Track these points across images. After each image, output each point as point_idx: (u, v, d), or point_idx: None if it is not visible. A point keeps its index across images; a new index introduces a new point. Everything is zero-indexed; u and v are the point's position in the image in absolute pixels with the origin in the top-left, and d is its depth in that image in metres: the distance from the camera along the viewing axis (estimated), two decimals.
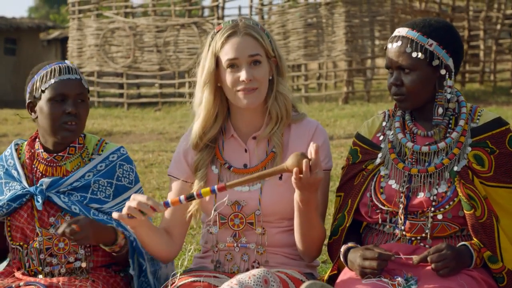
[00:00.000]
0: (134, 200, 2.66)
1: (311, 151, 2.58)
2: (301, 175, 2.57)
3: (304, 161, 2.56)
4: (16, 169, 3.05)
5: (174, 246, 2.94)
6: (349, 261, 2.72)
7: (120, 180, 3.07)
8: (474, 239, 2.68)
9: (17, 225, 3.00)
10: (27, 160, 3.06)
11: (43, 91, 2.98)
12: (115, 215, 2.67)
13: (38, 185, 2.98)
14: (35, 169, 3.05)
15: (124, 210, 2.66)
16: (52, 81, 2.98)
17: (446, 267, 2.59)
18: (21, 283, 2.85)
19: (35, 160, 3.06)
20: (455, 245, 2.70)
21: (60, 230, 2.81)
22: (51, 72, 2.99)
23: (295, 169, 2.57)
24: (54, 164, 3.04)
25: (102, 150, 3.10)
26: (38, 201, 2.95)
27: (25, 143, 3.13)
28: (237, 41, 2.83)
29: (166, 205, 2.66)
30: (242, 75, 2.82)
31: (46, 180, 2.98)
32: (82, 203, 2.99)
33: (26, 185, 3.00)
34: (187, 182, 2.96)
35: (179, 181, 2.97)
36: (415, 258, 2.62)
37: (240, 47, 2.82)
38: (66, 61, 3.06)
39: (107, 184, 3.04)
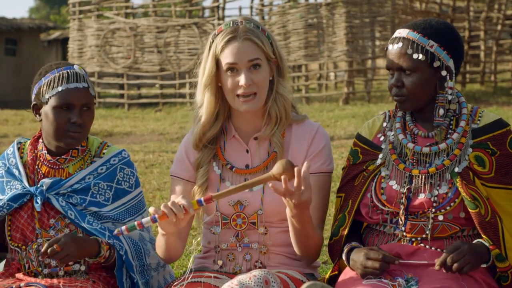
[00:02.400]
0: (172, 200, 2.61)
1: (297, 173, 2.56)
2: (293, 189, 2.56)
3: (296, 169, 2.54)
4: (17, 168, 3.04)
5: (183, 247, 2.94)
6: (351, 260, 2.73)
7: (120, 184, 3.06)
8: (484, 236, 2.67)
9: (17, 225, 2.99)
10: (29, 160, 3.05)
11: (49, 97, 2.95)
12: (151, 210, 2.60)
13: (38, 185, 2.98)
14: (37, 170, 3.04)
15: (161, 207, 2.60)
16: (60, 88, 2.94)
17: (468, 263, 2.57)
18: (22, 284, 2.85)
19: (38, 161, 3.05)
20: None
21: (42, 250, 2.82)
22: (59, 79, 2.96)
23: (283, 176, 2.54)
24: (57, 167, 3.03)
25: (103, 153, 3.09)
26: (37, 202, 2.95)
27: (28, 142, 3.12)
28: (236, 46, 2.83)
29: (199, 203, 2.59)
30: (241, 79, 2.83)
31: (46, 181, 2.98)
32: (81, 205, 2.99)
33: (27, 185, 3.00)
34: (190, 181, 2.97)
35: (182, 181, 2.97)
36: (437, 265, 2.59)
37: (240, 52, 2.83)
38: (75, 66, 3.02)
39: (106, 187, 3.03)
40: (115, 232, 2.58)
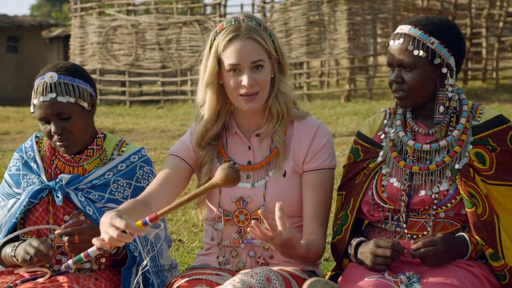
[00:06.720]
0: (108, 233, 2.42)
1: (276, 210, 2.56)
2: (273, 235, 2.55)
3: (261, 212, 2.53)
4: (35, 162, 3.04)
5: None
6: (359, 253, 2.73)
7: (139, 182, 3.05)
8: (476, 237, 2.68)
9: (31, 219, 2.99)
10: (47, 154, 3.05)
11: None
12: (95, 242, 2.44)
13: (57, 180, 2.97)
14: (53, 164, 3.04)
15: (106, 238, 2.42)
16: (35, 102, 2.93)
17: (435, 262, 2.62)
18: (18, 281, 2.84)
19: (54, 156, 3.05)
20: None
21: (60, 232, 2.76)
22: (36, 91, 2.93)
23: (253, 222, 2.53)
24: (72, 164, 3.03)
25: (122, 151, 3.08)
26: (58, 197, 2.93)
27: None
28: (239, 45, 2.82)
29: (145, 224, 2.44)
30: (244, 80, 2.82)
31: (65, 176, 2.97)
32: (100, 202, 2.97)
33: (45, 179, 3.00)
34: (185, 161, 2.95)
35: (178, 158, 2.95)
36: (413, 246, 2.64)
37: (243, 52, 2.81)
38: (45, 75, 2.93)
39: (126, 184, 3.03)
40: (63, 267, 2.52)
